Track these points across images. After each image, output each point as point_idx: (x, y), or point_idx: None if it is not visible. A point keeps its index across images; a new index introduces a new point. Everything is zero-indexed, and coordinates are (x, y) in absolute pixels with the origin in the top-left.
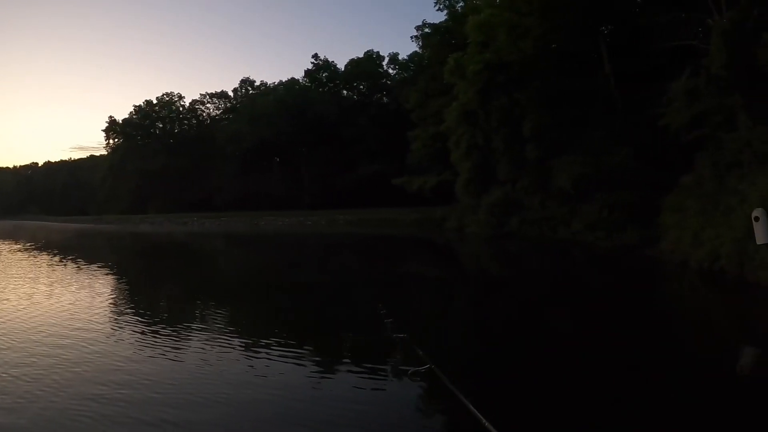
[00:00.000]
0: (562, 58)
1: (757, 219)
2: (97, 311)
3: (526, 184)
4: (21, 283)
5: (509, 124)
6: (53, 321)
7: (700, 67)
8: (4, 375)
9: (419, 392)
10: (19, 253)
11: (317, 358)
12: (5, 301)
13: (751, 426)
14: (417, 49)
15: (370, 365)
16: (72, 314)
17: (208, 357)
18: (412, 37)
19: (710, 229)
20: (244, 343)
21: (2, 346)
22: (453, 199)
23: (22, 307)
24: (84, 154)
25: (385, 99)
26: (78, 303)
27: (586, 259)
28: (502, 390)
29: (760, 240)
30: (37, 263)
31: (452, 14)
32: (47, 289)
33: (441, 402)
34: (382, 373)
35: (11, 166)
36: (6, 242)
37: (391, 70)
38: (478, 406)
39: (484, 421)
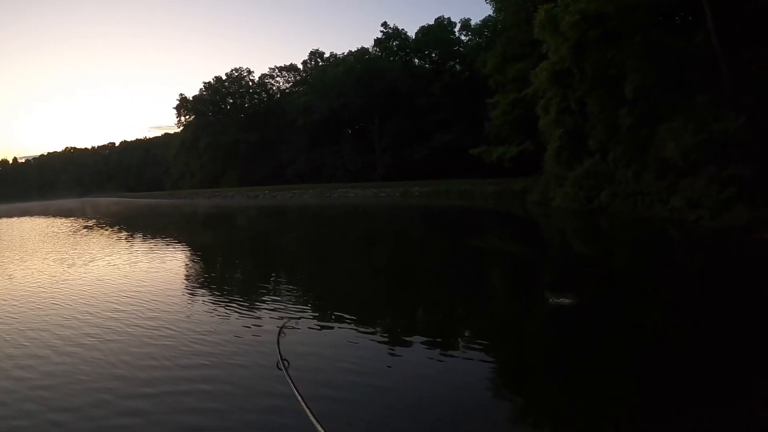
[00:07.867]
0: (663, 11)
1: None
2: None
3: (618, 155)
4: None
5: (604, 85)
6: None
7: None
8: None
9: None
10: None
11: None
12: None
13: None
14: (491, 13)
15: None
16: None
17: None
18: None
19: None
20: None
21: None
22: (534, 170)
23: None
24: (159, 133)
25: (458, 67)
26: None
27: (692, 242)
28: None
29: None
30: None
31: None
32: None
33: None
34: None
35: (90, 147)
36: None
37: (463, 37)
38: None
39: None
